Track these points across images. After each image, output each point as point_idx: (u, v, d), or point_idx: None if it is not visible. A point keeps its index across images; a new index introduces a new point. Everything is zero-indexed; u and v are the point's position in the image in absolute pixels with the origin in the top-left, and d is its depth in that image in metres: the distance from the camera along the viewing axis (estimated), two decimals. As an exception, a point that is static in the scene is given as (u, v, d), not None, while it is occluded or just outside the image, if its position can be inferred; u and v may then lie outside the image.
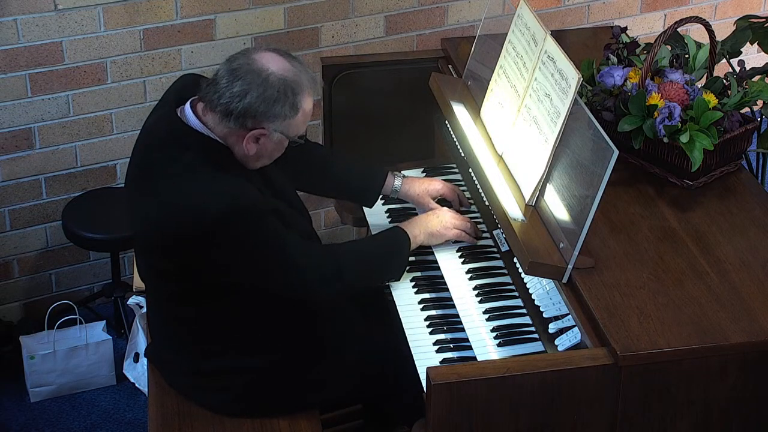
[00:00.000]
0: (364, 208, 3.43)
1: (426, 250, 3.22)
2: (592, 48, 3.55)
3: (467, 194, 3.37)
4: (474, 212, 3.30)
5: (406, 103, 3.69)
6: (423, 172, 3.50)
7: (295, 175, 3.13)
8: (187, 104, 2.82)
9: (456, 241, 3.16)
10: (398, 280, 3.08)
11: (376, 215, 3.40)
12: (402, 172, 3.35)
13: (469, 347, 2.88)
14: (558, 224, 2.79)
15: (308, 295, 2.94)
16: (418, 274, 3.15)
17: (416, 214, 3.34)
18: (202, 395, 3.00)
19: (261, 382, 2.97)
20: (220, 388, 2.97)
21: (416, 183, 3.29)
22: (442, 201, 3.31)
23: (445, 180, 3.45)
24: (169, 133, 2.81)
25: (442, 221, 3.13)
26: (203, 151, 2.77)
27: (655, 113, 3.02)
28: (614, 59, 3.28)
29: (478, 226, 3.22)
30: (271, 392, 2.99)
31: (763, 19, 3.92)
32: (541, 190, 2.90)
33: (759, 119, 3.50)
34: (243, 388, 2.97)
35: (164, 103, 2.91)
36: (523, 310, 2.93)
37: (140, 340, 3.80)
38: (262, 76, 2.72)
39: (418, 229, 3.10)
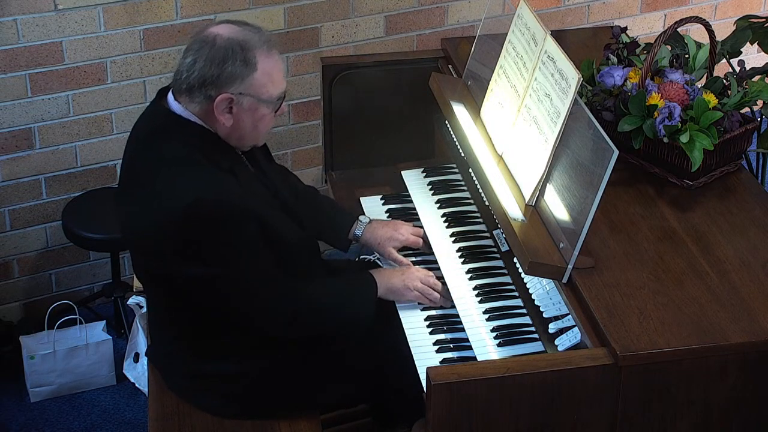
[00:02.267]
0: (364, 208, 3.43)
1: (425, 251, 3.22)
2: (592, 48, 3.55)
3: (467, 194, 3.37)
4: (427, 255, 3.23)
5: (406, 103, 3.69)
6: (423, 172, 3.50)
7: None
8: (169, 93, 2.83)
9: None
10: (361, 327, 2.99)
11: (376, 216, 3.40)
12: (367, 216, 3.27)
13: (469, 347, 2.88)
14: (558, 224, 2.79)
15: (254, 328, 2.89)
16: (419, 268, 3.14)
17: (415, 214, 3.35)
18: (201, 398, 2.99)
19: (260, 383, 2.97)
20: (219, 390, 2.97)
21: (379, 229, 3.22)
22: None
23: (445, 180, 3.45)
24: (154, 124, 2.82)
25: (405, 280, 3.03)
26: (190, 139, 2.76)
27: (655, 113, 3.02)
28: (614, 59, 3.28)
29: (480, 222, 3.22)
30: (271, 394, 2.98)
31: (763, 19, 3.91)
32: (541, 190, 2.89)
33: (759, 119, 3.50)
34: (242, 390, 2.96)
35: (150, 103, 2.91)
36: (523, 310, 2.93)
37: (140, 340, 3.80)
38: (208, 42, 2.73)
39: (381, 282, 3.01)
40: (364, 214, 3.39)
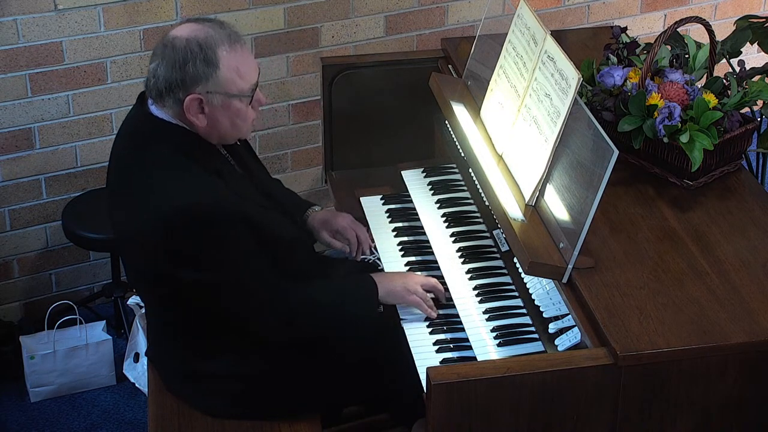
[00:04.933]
0: (364, 208, 3.43)
1: (426, 251, 3.22)
2: (592, 48, 3.55)
3: (467, 194, 3.37)
4: (373, 259, 3.22)
5: (406, 103, 3.69)
6: (423, 172, 3.50)
7: None
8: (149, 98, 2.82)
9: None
10: (361, 330, 2.99)
11: (376, 216, 3.41)
12: (315, 206, 3.25)
13: (469, 347, 2.88)
14: (558, 224, 2.79)
15: (251, 331, 2.87)
16: (419, 274, 3.15)
17: (415, 214, 3.35)
18: (201, 399, 2.99)
19: (260, 384, 2.97)
20: (218, 391, 2.96)
21: (319, 214, 3.21)
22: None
23: (445, 180, 3.45)
24: (137, 128, 2.81)
25: (406, 284, 3.00)
26: (172, 142, 2.75)
27: (655, 113, 3.02)
28: (614, 59, 3.28)
29: (480, 222, 3.22)
30: (271, 394, 2.98)
31: (763, 19, 3.91)
32: (541, 190, 2.89)
33: (759, 119, 3.50)
34: (241, 391, 2.96)
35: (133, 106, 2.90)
36: (523, 310, 2.93)
37: (140, 340, 3.80)
38: (168, 46, 2.71)
39: (381, 285, 2.99)
40: (364, 214, 3.40)
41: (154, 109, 2.78)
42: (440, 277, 3.09)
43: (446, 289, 3.05)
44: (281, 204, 3.06)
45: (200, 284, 2.75)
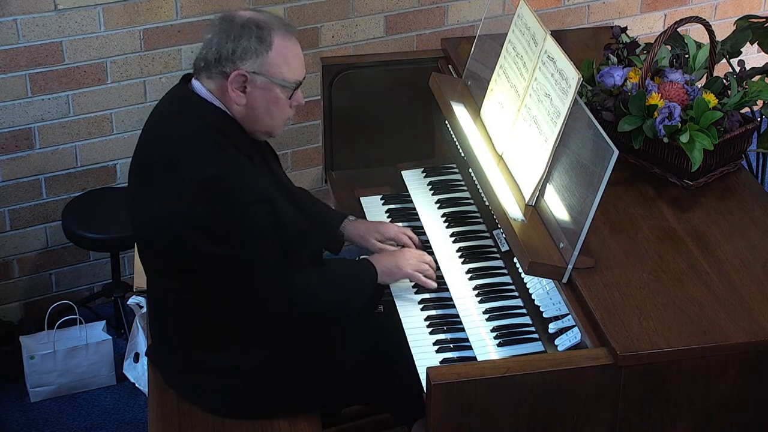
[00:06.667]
0: (364, 208, 3.43)
1: (426, 250, 3.22)
2: (592, 48, 3.55)
3: (467, 194, 3.37)
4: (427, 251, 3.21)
5: (406, 103, 3.69)
6: (423, 172, 3.50)
7: None
8: (193, 78, 2.87)
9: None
10: (358, 313, 3.01)
11: (376, 216, 3.41)
12: (350, 216, 3.27)
13: (469, 347, 2.88)
14: (558, 224, 2.79)
15: (254, 313, 2.89)
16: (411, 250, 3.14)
17: (415, 214, 3.35)
18: (201, 395, 3.00)
19: (260, 382, 2.97)
20: (219, 388, 2.97)
21: (362, 224, 3.25)
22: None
23: (445, 180, 3.45)
24: (175, 104, 2.86)
25: (398, 261, 3.05)
26: (209, 119, 2.80)
27: (655, 113, 3.02)
28: (614, 59, 3.28)
29: (480, 223, 3.22)
30: (271, 393, 2.98)
31: (763, 19, 3.92)
32: (541, 190, 2.89)
33: (759, 119, 3.51)
34: (242, 389, 2.96)
35: (174, 86, 2.95)
36: (523, 310, 2.93)
37: (140, 340, 3.80)
38: (226, 20, 2.81)
39: (376, 266, 3.03)
40: (364, 214, 3.40)
41: (197, 85, 2.84)
42: (440, 277, 3.10)
43: (446, 290, 3.05)
44: (312, 213, 3.11)
45: (216, 258, 2.78)
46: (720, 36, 3.60)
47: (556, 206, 2.82)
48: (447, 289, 3.05)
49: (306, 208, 3.12)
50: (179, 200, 2.74)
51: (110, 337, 3.99)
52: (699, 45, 3.33)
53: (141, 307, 3.71)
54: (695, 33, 4.58)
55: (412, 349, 2.91)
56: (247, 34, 2.77)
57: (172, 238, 2.79)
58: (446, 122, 3.43)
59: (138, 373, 3.87)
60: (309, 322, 2.97)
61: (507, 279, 3.05)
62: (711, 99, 3.05)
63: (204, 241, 2.76)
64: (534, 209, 2.90)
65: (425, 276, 3.07)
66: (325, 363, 3.02)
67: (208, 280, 2.83)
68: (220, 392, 2.97)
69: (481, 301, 2.97)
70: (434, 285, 3.07)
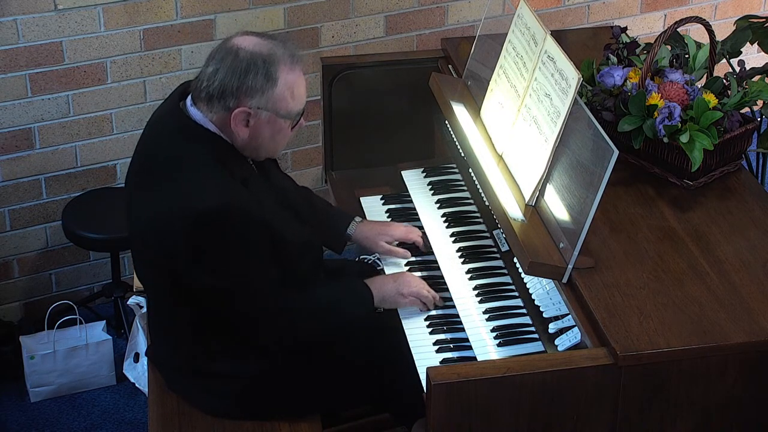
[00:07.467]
0: (364, 208, 3.43)
1: (426, 251, 3.22)
2: (592, 48, 3.55)
3: (467, 194, 3.37)
4: (425, 257, 3.22)
5: (406, 103, 3.69)
6: (423, 172, 3.50)
7: None
8: (188, 98, 2.83)
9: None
10: (357, 335, 3.02)
11: (376, 216, 3.41)
12: (357, 217, 3.27)
13: (469, 347, 2.88)
14: (558, 224, 2.79)
15: (252, 336, 2.89)
16: (418, 274, 3.15)
17: (415, 214, 3.35)
18: (202, 398, 2.99)
19: (261, 384, 2.97)
20: (219, 391, 2.97)
21: (370, 226, 3.24)
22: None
23: (445, 180, 3.45)
24: (172, 126, 2.81)
25: (399, 287, 3.02)
26: (207, 145, 2.76)
27: (655, 113, 3.02)
28: (614, 59, 3.28)
29: (480, 222, 3.22)
30: (271, 395, 2.98)
31: (763, 19, 3.91)
32: (541, 190, 2.89)
33: (759, 119, 3.50)
34: (243, 391, 2.96)
35: (169, 99, 2.91)
36: (523, 310, 2.93)
37: (140, 340, 3.80)
38: (232, 53, 2.72)
39: (374, 291, 3.01)
40: (364, 214, 3.40)
41: (194, 112, 2.78)
42: (440, 277, 3.10)
43: (446, 289, 3.05)
44: (315, 214, 3.11)
45: (215, 286, 2.76)
46: (720, 36, 3.60)
47: (556, 206, 2.82)
48: (447, 289, 3.05)
49: (308, 211, 3.11)
50: (176, 226, 2.71)
51: (110, 337, 3.99)
52: (699, 45, 3.33)
53: (141, 307, 3.70)
54: (695, 33, 4.58)
55: (412, 349, 2.91)
56: (253, 70, 2.70)
57: (168, 262, 2.77)
58: (446, 122, 3.43)
59: (138, 373, 3.87)
60: (304, 344, 2.97)
61: (507, 279, 3.05)
62: (711, 99, 3.05)
63: (198, 271, 2.74)
64: (534, 209, 2.90)
65: (424, 298, 3.04)
66: (326, 364, 3.02)
67: (205, 302, 2.82)
68: (220, 396, 2.97)
69: (481, 301, 2.97)
70: (438, 302, 3.05)
